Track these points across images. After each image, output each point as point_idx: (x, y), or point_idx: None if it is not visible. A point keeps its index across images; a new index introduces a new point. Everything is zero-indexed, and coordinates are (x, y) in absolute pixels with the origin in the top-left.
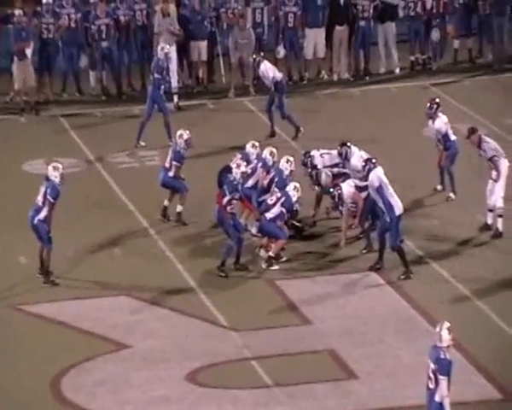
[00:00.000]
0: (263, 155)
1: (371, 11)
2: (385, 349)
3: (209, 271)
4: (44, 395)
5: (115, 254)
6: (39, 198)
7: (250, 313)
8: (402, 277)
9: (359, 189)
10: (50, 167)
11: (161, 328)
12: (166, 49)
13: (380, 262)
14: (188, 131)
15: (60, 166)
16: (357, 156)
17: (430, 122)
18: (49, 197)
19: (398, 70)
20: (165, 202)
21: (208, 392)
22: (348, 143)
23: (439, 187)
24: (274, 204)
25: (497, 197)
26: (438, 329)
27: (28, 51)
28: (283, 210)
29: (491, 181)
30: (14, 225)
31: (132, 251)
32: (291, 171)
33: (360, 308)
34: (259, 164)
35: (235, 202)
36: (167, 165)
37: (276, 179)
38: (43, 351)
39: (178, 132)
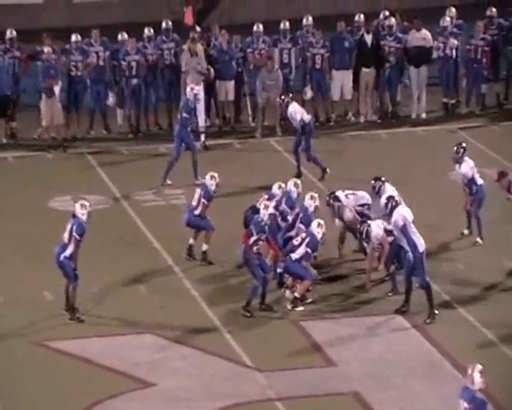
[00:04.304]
0: (287, 188)
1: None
2: (410, 393)
3: (234, 310)
4: None
5: (140, 292)
6: (65, 235)
7: (275, 354)
8: (428, 320)
9: (387, 232)
10: (78, 205)
11: (185, 367)
12: (196, 90)
13: (406, 305)
14: (217, 175)
15: (87, 203)
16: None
17: (457, 166)
18: (75, 234)
19: (424, 115)
20: (191, 241)
21: None
22: (383, 179)
23: (465, 231)
24: (299, 245)
25: None
26: (470, 371)
27: (56, 88)
28: (308, 250)
29: None
30: (39, 261)
31: (157, 289)
32: (316, 207)
33: (385, 351)
34: (283, 199)
35: (261, 242)
36: (194, 203)
37: (301, 215)
38: (67, 388)
39: (210, 174)
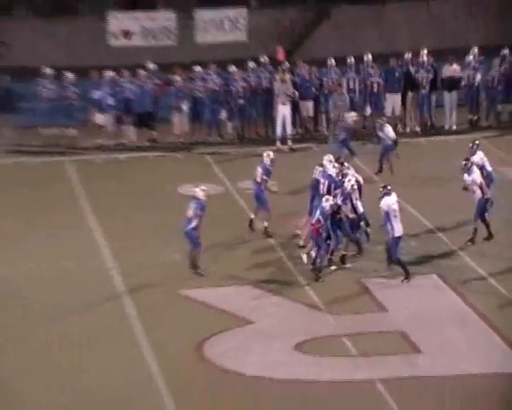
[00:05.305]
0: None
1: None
2: (445, 334)
3: (310, 268)
4: (191, 356)
5: (243, 255)
6: (190, 212)
7: (341, 301)
8: (405, 281)
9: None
10: (198, 189)
11: (276, 310)
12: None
13: (407, 274)
14: (272, 153)
15: (205, 188)
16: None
17: (472, 157)
18: (197, 211)
19: (455, 127)
20: (265, 223)
21: (310, 358)
22: (471, 159)
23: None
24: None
25: None
26: None
27: (184, 106)
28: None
29: None
30: (171, 232)
31: (255, 253)
32: (339, 171)
33: (425, 302)
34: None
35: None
36: (258, 180)
37: (333, 185)
38: (190, 324)
39: (266, 153)
